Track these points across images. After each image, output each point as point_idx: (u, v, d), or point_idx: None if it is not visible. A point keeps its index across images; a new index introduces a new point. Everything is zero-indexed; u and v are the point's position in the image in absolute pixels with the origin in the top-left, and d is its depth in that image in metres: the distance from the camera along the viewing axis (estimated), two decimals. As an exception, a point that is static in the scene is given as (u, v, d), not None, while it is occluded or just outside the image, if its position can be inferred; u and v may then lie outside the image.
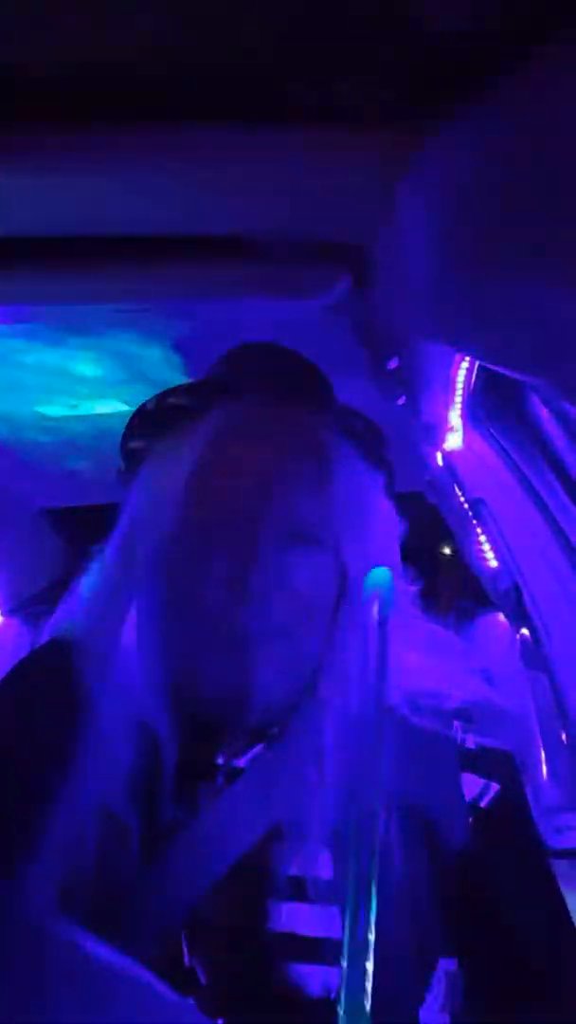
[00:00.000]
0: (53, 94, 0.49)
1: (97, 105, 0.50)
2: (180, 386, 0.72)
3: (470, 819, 0.69)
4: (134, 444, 0.72)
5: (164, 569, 0.67)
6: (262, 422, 0.68)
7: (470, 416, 1.48)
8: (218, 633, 0.65)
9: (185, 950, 0.64)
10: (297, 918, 0.64)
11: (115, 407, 1.71)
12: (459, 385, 1.29)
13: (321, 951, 0.63)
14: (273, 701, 0.67)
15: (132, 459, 0.72)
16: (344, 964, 0.46)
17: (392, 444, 0.74)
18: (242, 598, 0.63)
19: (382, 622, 0.61)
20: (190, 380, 0.78)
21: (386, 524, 0.72)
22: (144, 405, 0.72)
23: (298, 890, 0.64)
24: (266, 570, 0.64)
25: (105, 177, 0.55)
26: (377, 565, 0.70)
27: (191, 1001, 0.62)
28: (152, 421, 0.71)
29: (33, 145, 0.53)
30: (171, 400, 0.71)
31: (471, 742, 0.72)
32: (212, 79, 0.48)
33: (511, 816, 0.71)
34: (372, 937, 0.48)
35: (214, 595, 0.64)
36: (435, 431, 1.53)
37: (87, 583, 0.75)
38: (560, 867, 0.73)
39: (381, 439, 0.72)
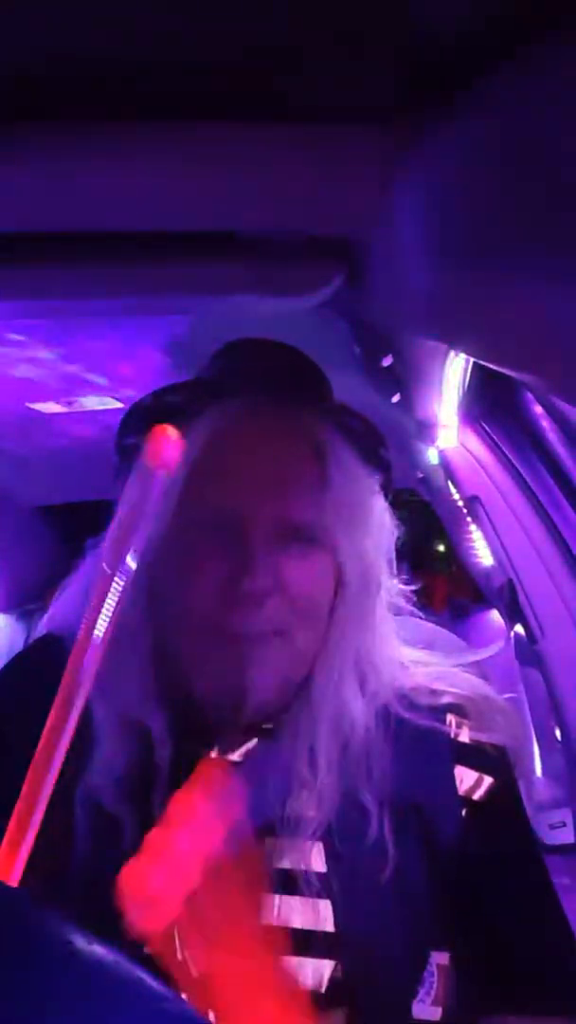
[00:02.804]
0: (49, 92, 0.49)
1: (93, 103, 0.50)
2: (175, 384, 0.72)
3: (463, 813, 0.69)
4: (129, 441, 0.72)
5: (158, 568, 0.67)
6: (257, 422, 0.68)
7: (464, 413, 1.48)
8: (212, 634, 0.65)
9: (177, 943, 0.64)
10: (290, 911, 0.64)
11: (109, 404, 1.71)
12: (453, 382, 1.29)
13: (314, 944, 0.63)
14: (267, 699, 0.67)
15: (127, 455, 0.72)
16: None
17: (387, 443, 0.74)
18: (237, 599, 0.63)
19: None
20: (183, 376, 0.78)
21: (382, 524, 0.72)
22: (140, 402, 0.72)
23: (291, 884, 0.64)
24: (261, 570, 0.64)
25: (100, 174, 0.55)
26: (373, 563, 0.70)
27: (183, 995, 0.62)
28: (148, 418, 0.70)
29: (27, 142, 0.52)
30: (167, 398, 0.71)
31: (465, 737, 0.72)
32: (206, 77, 0.48)
33: (505, 810, 0.71)
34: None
35: (208, 597, 0.64)
36: (429, 428, 1.53)
37: (82, 579, 0.75)
38: (552, 862, 0.73)
39: (379, 439, 0.72)
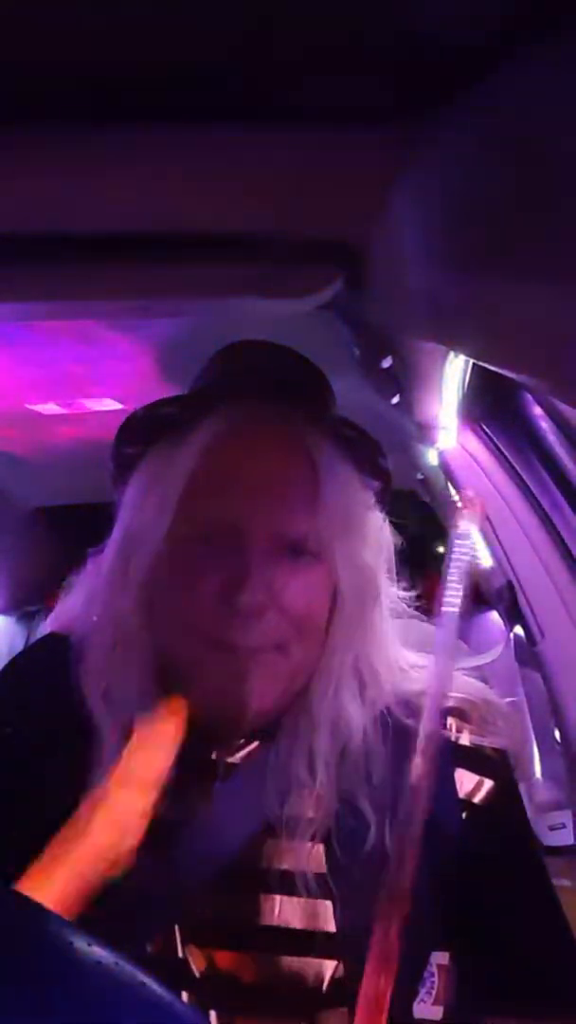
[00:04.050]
0: (49, 94, 0.49)
1: (92, 104, 0.50)
2: (172, 397, 0.72)
3: (463, 815, 0.69)
4: (127, 450, 0.71)
5: (157, 579, 0.67)
6: (253, 433, 0.67)
7: (464, 415, 1.49)
8: (210, 646, 0.65)
9: (179, 943, 0.64)
10: (289, 912, 0.64)
11: (109, 405, 1.71)
12: (453, 384, 1.29)
13: (313, 945, 0.63)
14: (265, 709, 0.67)
15: (124, 464, 0.72)
16: None
17: (386, 444, 0.74)
18: (233, 612, 0.63)
19: None
20: (183, 378, 0.78)
21: (380, 534, 0.72)
22: (135, 413, 0.72)
23: (290, 885, 0.64)
24: (257, 584, 0.63)
25: (99, 176, 0.55)
26: (370, 573, 0.70)
27: (184, 995, 0.62)
28: (144, 429, 0.70)
29: (30, 144, 0.52)
30: (162, 410, 0.70)
31: (465, 740, 0.72)
32: (206, 79, 0.48)
33: (505, 813, 0.71)
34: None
35: (205, 609, 0.64)
36: (429, 430, 1.53)
37: (84, 584, 0.75)
38: (553, 864, 0.73)
39: (377, 449, 0.72)
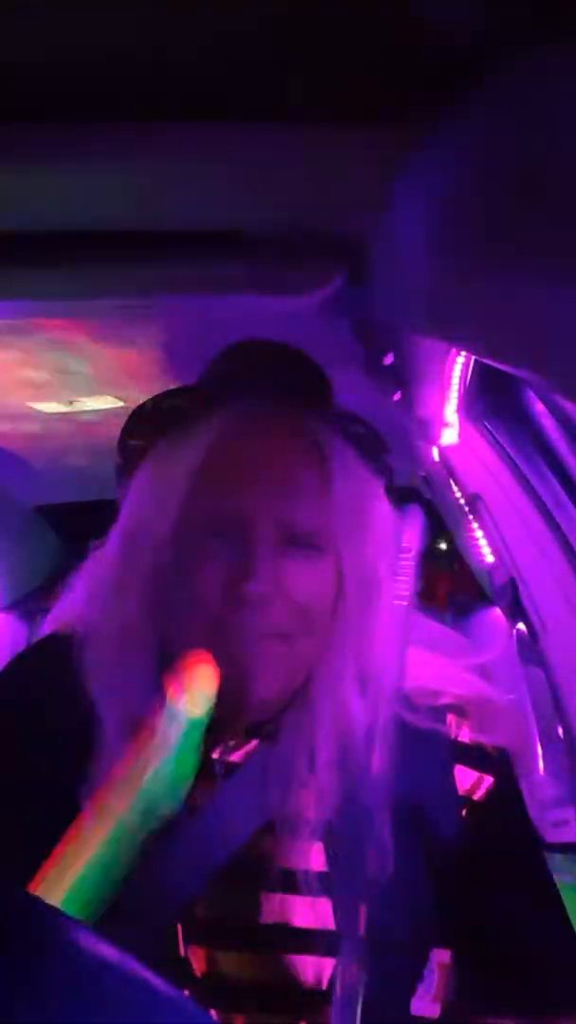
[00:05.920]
0: (50, 93, 0.49)
1: (93, 103, 0.50)
2: (179, 388, 0.72)
3: (463, 812, 0.69)
4: (133, 442, 0.72)
5: (162, 571, 0.67)
6: (260, 426, 0.68)
7: (466, 411, 1.48)
8: (215, 634, 0.65)
9: (180, 942, 0.64)
10: (290, 910, 0.64)
11: (111, 403, 1.71)
12: (455, 380, 1.29)
13: (314, 942, 0.63)
14: (269, 700, 0.67)
15: (131, 457, 0.72)
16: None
17: (388, 441, 0.74)
18: (239, 603, 0.64)
19: None
20: (184, 376, 0.78)
21: (385, 528, 0.72)
22: (143, 405, 0.72)
23: (291, 883, 0.64)
24: (263, 574, 0.64)
25: (100, 174, 0.55)
26: (375, 568, 0.70)
27: (185, 993, 0.63)
28: (151, 421, 0.71)
29: (30, 143, 0.53)
30: (169, 402, 0.71)
31: (465, 737, 0.72)
32: (208, 77, 0.48)
33: (505, 809, 0.71)
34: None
35: (211, 599, 0.65)
36: (431, 426, 1.53)
37: (86, 579, 0.75)
38: (555, 860, 0.73)
39: (381, 443, 0.72)
